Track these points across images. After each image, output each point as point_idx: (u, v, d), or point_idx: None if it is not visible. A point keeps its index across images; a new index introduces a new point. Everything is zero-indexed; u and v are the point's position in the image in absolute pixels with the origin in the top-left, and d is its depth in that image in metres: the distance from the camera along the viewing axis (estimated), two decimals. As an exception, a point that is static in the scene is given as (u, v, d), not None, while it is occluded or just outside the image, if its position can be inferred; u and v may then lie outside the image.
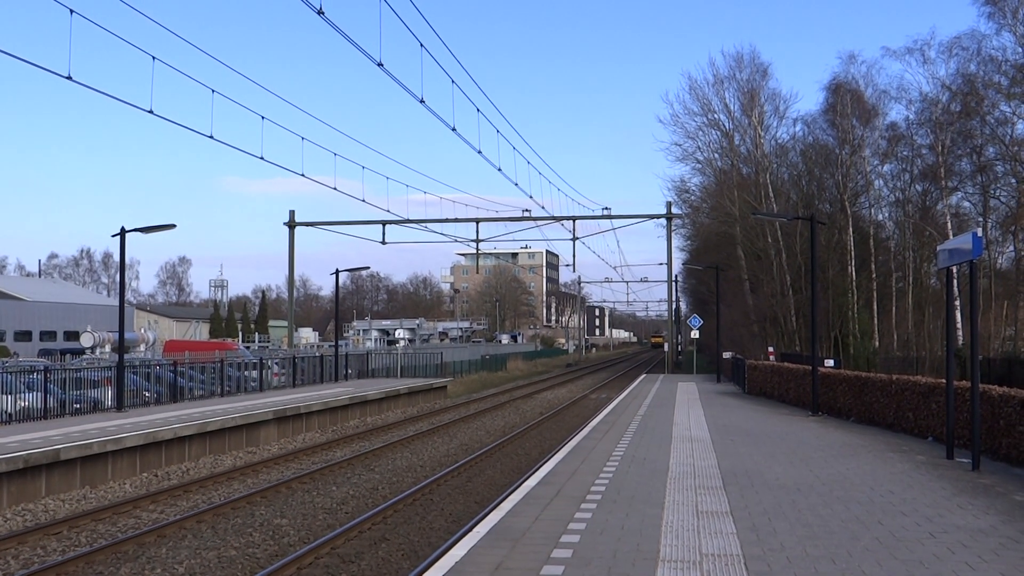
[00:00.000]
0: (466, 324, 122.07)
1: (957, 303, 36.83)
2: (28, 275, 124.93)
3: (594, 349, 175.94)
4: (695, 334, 60.39)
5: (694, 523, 10.94)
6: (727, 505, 12.15)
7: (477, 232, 62.20)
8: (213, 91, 28.01)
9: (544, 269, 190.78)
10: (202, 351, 45.46)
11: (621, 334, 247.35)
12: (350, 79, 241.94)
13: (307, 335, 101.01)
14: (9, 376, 24.69)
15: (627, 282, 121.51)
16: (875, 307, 49.04)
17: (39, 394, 24.30)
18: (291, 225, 65.14)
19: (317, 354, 49.33)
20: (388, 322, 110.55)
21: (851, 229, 48.65)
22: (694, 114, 61.53)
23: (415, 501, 17.94)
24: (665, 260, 65.59)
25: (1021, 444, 15.72)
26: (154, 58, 23.98)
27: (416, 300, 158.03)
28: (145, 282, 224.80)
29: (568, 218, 62.94)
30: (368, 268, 55.59)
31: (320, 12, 19.62)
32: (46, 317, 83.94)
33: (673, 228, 65.18)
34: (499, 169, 42.18)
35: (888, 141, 49.25)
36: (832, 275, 48.04)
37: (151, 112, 24.83)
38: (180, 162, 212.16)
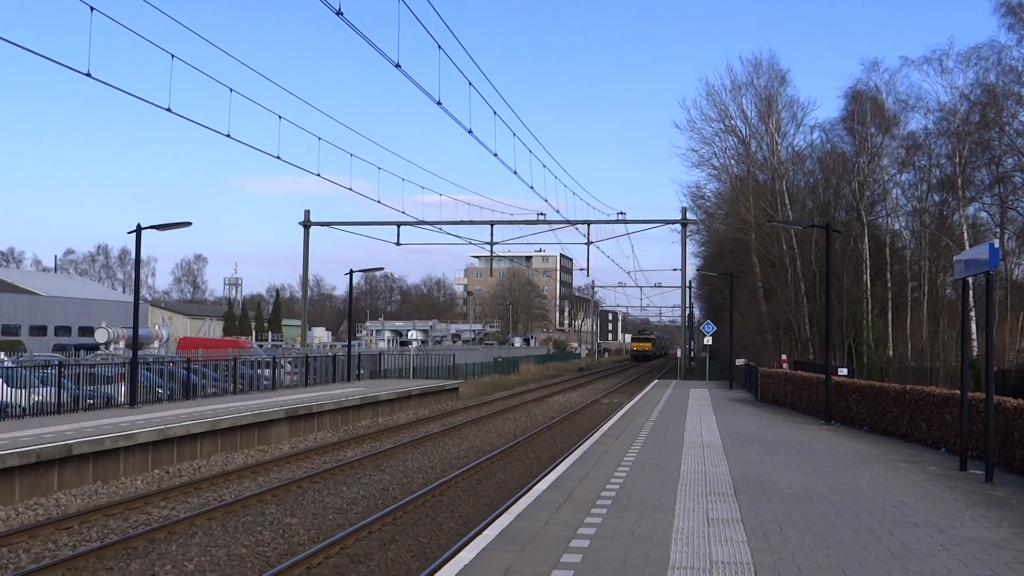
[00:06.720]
0: (479, 326, 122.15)
1: (972, 314, 36.65)
2: (44, 270, 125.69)
3: (607, 354, 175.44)
4: (708, 340, 60.19)
5: (705, 530, 10.90)
6: (738, 512, 12.11)
7: (491, 235, 62.40)
8: (231, 90, 27.95)
9: (558, 273, 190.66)
10: (216, 349, 45.70)
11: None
12: (367, 80, 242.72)
13: (320, 335, 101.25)
14: (24, 371, 24.85)
15: (641, 287, 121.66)
16: (890, 316, 48.79)
17: (53, 389, 24.43)
18: (306, 225, 65.32)
19: (330, 354, 49.42)
20: (401, 323, 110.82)
21: (867, 238, 48.44)
22: (711, 120, 61.50)
23: (425, 502, 17.95)
24: (679, 266, 65.58)
25: (1035, 457, 15.62)
26: (173, 56, 24.04)
27: (429, 302, 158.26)
28: (161, 279, 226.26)
29: (583, 222, 62.98)
30: (382, 269, 55.59)
31: (339, 13, 19.69)
32: (61, 312, 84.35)
33: (688, 234, 65.13)
34: (515, 172, 42.26)
35: (906, 150, 49.03)
36: (847, 284, 47.84)
37: (169, 110, 24.88)
38: (197, 160, 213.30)
